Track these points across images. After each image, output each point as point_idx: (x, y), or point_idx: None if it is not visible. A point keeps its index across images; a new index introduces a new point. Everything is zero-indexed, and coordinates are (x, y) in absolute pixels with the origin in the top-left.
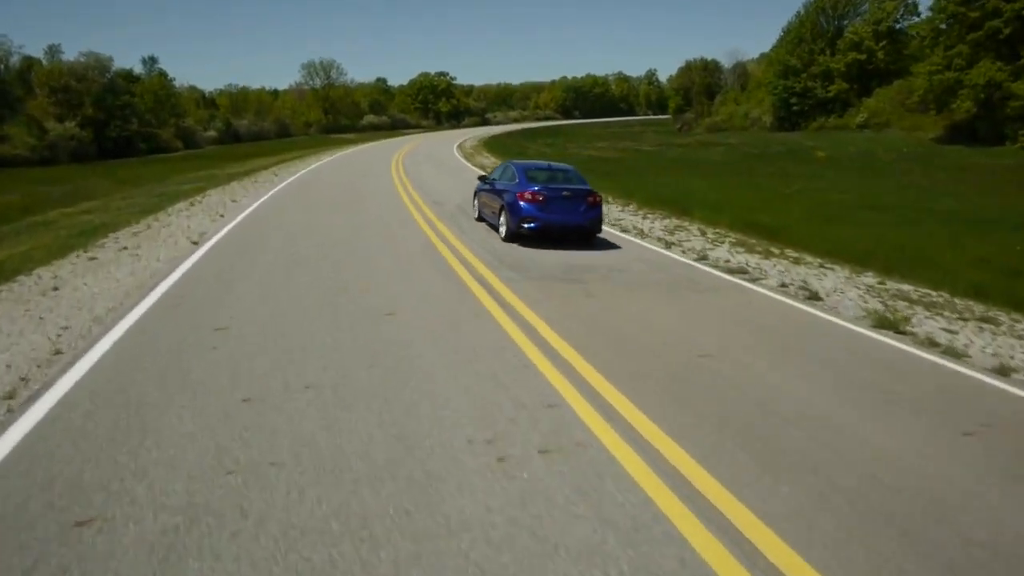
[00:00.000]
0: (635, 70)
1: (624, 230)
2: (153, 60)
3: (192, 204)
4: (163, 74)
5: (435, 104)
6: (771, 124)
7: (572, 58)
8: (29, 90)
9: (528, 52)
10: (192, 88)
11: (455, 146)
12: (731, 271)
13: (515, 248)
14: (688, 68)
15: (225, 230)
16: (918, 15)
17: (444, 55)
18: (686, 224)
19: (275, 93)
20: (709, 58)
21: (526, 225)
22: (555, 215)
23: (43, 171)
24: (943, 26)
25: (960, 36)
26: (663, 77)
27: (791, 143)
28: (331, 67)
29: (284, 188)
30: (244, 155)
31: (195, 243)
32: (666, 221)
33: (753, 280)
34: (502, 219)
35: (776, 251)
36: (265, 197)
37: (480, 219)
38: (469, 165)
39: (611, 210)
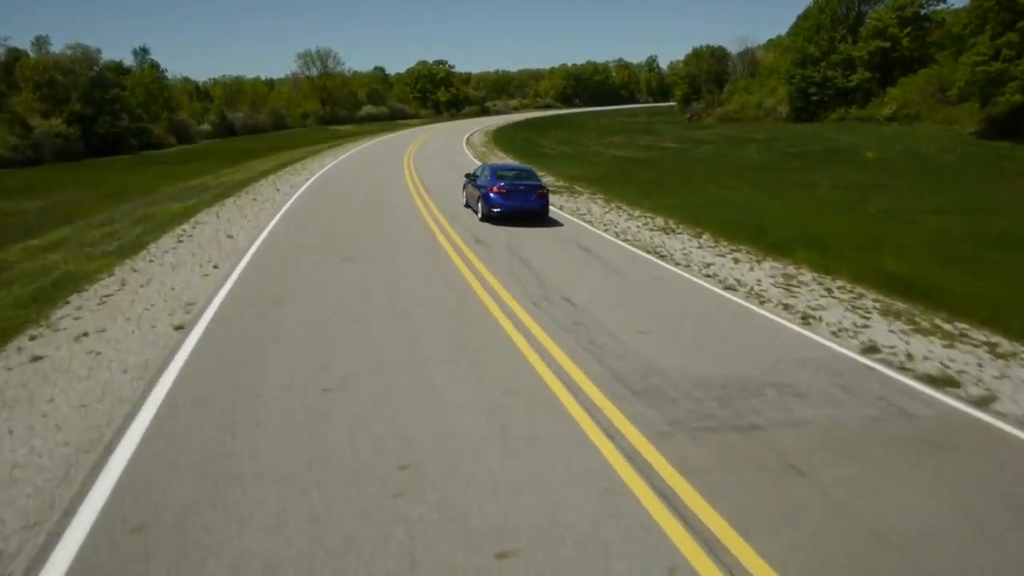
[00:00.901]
0: (635, 57)
1: (729, 287)
2: (144, 51)
3: (180, 240)
4: (155, 66)
5: (434, 93)
6: (787, 115)
7: (571, 45)
8: (13, 85)
9: (526, 39)
10: (185, 79)
11: (464, 141)
12: (934, 382)
13: (635, 361)
14: (696, 55)
15: (221, 296)
16: (943, 0)
17: (442, 43)
18: (793, 271)
19: (270, 83)
20: (715, 44)
21: (495, 210)
22: (514, 202)
23: (26, 174)
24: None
25: (1009, 24)
26: (664, 63)
27: (826, 139)
28: (328, 56)
29: (289, 211)
30: (240, 153)
31: (179, 328)
32: (766, 266)
33: (981, 405)
34: (479, 206)
35: (950, 328)
36: (269, 227)
37: (467, 205)
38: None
39: (686, 245)
